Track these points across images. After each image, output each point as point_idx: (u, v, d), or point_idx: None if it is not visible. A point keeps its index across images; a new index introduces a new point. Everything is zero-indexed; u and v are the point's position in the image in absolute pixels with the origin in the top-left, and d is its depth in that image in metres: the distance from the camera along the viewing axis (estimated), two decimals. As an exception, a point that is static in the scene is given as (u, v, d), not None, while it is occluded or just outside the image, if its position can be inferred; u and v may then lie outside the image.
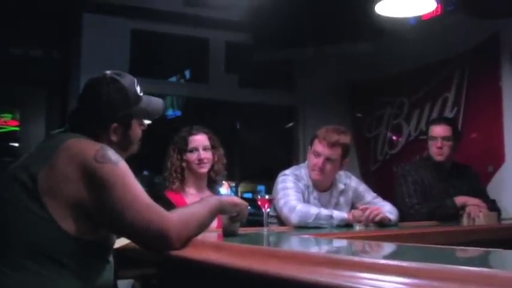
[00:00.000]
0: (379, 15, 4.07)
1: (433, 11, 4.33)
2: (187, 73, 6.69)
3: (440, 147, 4.03)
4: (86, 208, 1.86)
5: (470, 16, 4.56)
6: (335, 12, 4.90)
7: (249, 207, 2.35)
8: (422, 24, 4.75)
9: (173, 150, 3.44)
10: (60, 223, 1.84)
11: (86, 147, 1.93)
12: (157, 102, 2.31)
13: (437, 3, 4.09)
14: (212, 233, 2.59)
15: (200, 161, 3.38)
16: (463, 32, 4.97)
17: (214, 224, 3.15)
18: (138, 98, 2.18)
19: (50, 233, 1.84)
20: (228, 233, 2.33)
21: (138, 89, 2.19)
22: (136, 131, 2.22)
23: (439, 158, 4.06)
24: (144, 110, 2.21)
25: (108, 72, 2.17)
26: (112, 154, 1.93)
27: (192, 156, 3.38)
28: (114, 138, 2.12)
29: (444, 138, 4.04)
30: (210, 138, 3.46)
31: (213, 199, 2.21)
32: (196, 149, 3.39)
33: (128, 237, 2.02)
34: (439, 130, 4.08)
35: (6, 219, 1.89)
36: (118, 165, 1.91)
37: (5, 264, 1.83)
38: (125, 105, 2.12)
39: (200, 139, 3.43)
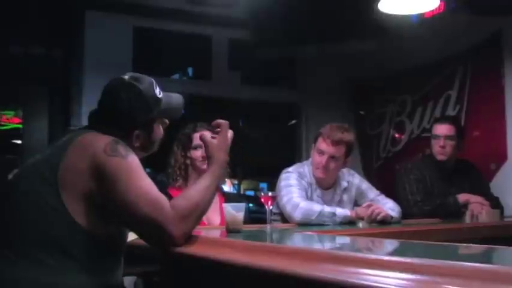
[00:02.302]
0: (382, 13, 4.07)
1: (435, 9, 4.32)
2: (190, 70, 6.68)
3: (443, 147, 4.03)
4: (96, 201, 1.88)
5: (472, 13, 4.56)
6: (337, 10, 4.89)
7: (251, 204, 2.35)
8: (424, 21, 4.74)
9: (177, 147, 3.45)
10: (73, 215, 1.86)
11: (98, 140, 1.95)
12: (177, 100, 2.31)
13: (440, 1, 4.09)
14: (215, 230, 2.60)
15: (204, 158, 3.38)
16: (465, 30, 4.97)
17: (218, 221, 3.16)
18: (158, 100, 2.18)
19: (63, 225, 1.86)
20: (231, 230, 2.34)
21: (157, 91, 2.19)
22: (158, 132, 2.24)
23: (441, 157, 4.05)
24: (165, 111, 2.22)
25: (126, 77, 2.17)
26: (122, 148, 1.94)
27: (196, 153, 3.38)
28: (136, 143, 2.14)
29: (447, 137, 4.03)
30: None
31: (211, 177, 2.11)
32: (200, 146, 3.39)
33: (133, 231, 2.03)
34: (442, 129, 4.08)
35: (21, 210, 1.91)
36: (127, 159, 1.92)
37: (16, 253, 1.85)
38: (145, 111, 2.14)
39: None
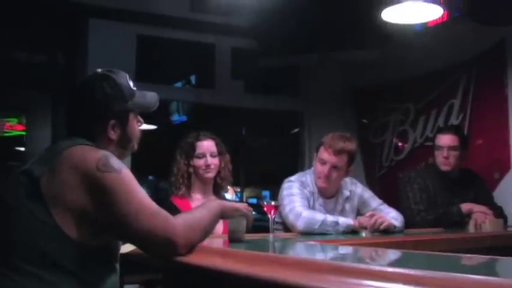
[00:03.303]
0: (385, 21, 4.07)
1: (439, 18, 4.33)
2: (193, 78, 6.69)
3: (447, 157, 4.00)
4: (90, 216, 1.86)
5: (476, 23, 4.56)
6: (341, 18, 4.90)
7: (254, 212, 2.36)
8: (428, 30, 4.75)
9: (180, 155, 3.44)
10: (63, 229, 1.84)
11: (88, 156, 1.92)
12: (151, 95, 2.31)
13: (444, 10, 4.09)
14: (218, 239, 2.59)
15: (207, 166, 3.39)
16: (469, 39, 4.97)
17: (220, 229, 3.16)
18: (132, 92, 2.18)
19: (53, 239, 1.84)
20: (233, 239, 2.34)
21: (131, 83, 2.20)
22: (134, 127, 2.21)
23: (445, 168, 4.04)
24: (140, 103, 2.21)
25: (99, 70, 2.20)
26: (114, 162, 1.93)
27: (199, 162, 3.38)
28: (113, 136, 2.11)
29: (451, 148, 4.01)
30: (217, 145, 3.46)
31: (215, 203, 2.21)
32: (203, 155, 3.39)
33: (135, 244, 2.02)
34: (445, 139, 4.06)
35: (11, 224, 1.89)
36: (121, 173, 1.91)
37: (11, 269, 1.84)
38: (120, 100, 2.13)
39: (207, 145, 3.43)
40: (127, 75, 2.22)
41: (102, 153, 1.95)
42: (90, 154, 1.93)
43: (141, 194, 1.92)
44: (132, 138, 2.21)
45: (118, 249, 2.11)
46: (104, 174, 1.87)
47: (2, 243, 1.91)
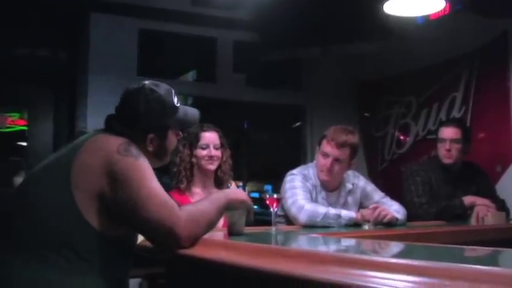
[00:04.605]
0: (387, 14, 4.07)
1: (441, 11, 4.32)
2: (195, 72, 6.69)
3: (449, 150, 3.99)
4: (106, 200, 1.89)
5: (478, 15, 4.56)
6: (343, 12, 4.90)
7: (255, 206, 2.37)
8: (430, 23, 4.74)
9: (183, 145, 3.42)
10: (85, 216, 1.87)
11: (110, 140, 1.98)
12: (193, 112, 2.34)
13: (445, 3, 4.08)
14: (217, 232, 2.59)
15: (210, 158, 3.38)
16: (471, 32, 4.96)
17: (221, 223, 3.15)
18: (175, 108, 2.21)
19: (74, 225, 1.87)
20: (233, 232, 2.33)
21: (175, 99, 2.21)
22: (172, 141, 2.26)
23: (447, 161, 4.03)
24: (181, 120, 2.24)
25: (146, 82, 2.19)
26: (134, 149, 1.98)
27: (202, 153, 3.37)
28: (150, 148, 2.15)
29: (453, 140, 4.00)
30: (220, 137, 3.46)
31: (221, 195, 2.21)
32: (207, 146, 3.38)
33: (140, 233, 2.04)
34: (448, 132, 4.05)
35: (34, 211, 1.91)
36: (138, 160, 1.95)
37: (29, 254, 1.86)
38: (162, 116, 2.16)
39: (211, 137, 3.42)
40: (172, 90, 2.23)
41: (124, 139, 2.00)
42: (113, 140, 1.99)
43: (153, 183, 1.94)
44: (168, 151, 2.26)
45: (135, 241, 2.14)
46: (121, 157, 1.92)
47: (24, 229, 1.92)
